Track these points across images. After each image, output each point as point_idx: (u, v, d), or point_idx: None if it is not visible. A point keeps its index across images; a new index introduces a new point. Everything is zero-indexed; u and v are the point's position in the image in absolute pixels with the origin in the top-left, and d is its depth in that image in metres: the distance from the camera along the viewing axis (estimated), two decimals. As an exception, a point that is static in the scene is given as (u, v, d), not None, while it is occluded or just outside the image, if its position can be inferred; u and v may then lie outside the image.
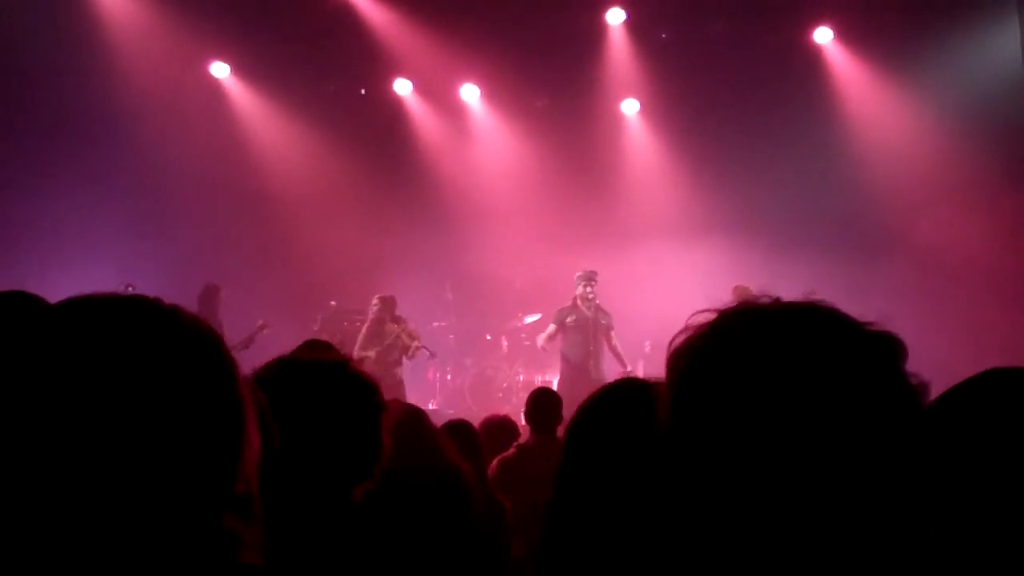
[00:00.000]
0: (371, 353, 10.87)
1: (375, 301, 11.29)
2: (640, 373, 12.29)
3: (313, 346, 4.72)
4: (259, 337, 10.92)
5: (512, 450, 5.34)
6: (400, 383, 10.87)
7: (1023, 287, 11.69)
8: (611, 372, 10.68)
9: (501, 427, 5.86)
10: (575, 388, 10.16)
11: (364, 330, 11.30)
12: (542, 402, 5.65)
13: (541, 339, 11.31)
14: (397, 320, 11.30)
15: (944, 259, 11.98)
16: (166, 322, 1.17)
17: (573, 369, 10.75)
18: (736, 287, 10.91)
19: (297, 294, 12.42)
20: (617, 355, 11.07)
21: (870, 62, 12.61)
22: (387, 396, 2.17)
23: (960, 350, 11.43)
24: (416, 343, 11.14)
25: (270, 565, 1.20)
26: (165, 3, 11.82)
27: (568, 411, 6.04)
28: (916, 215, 12.30)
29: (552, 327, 10.98)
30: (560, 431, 5.68)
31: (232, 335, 10.71)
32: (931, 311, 11.98)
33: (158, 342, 1.13)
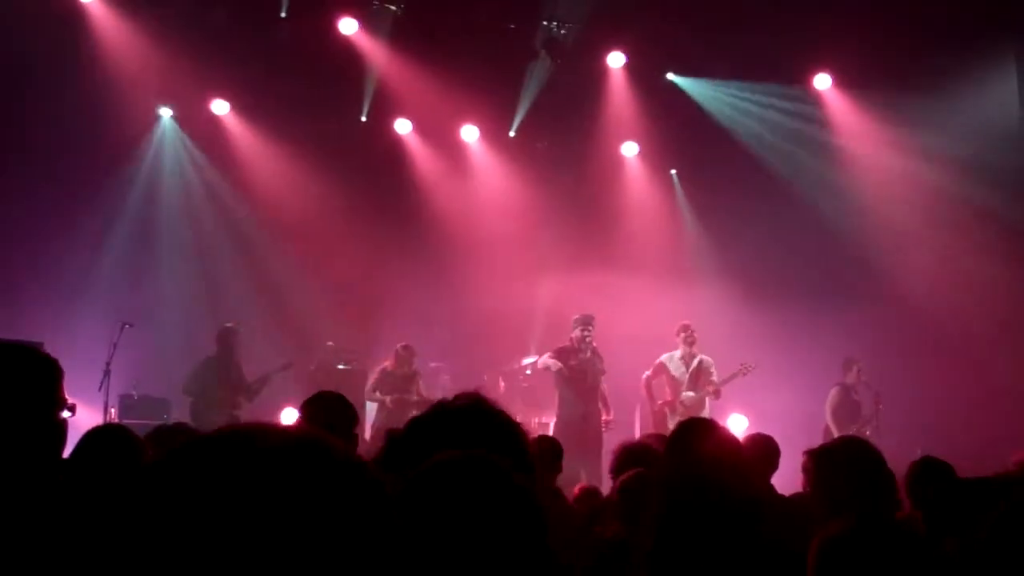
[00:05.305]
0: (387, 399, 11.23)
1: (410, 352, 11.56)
2: (637, 417, 12.22)
3: (322, 400, 4.64)
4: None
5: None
6: None
7: (1015, 333, 11.70)
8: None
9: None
10: (572, 430, 10.10)
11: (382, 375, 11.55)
12: (547, 451, 5.40)
13: (544, 361, 11.13)
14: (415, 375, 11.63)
15: (938, 306, 12.00)
16: (325, 467, 0.96)
17: (571, 411, 10.66)
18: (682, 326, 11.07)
19: (294, 333, 12.38)
20: (604, 401, 10.95)
21: (868, 108, 12.66)
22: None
23: (961, 395, 11.48)
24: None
25: None
26: (166, 40, 11.89)
27: (563, 451, 5.94)
28: (909, 261, 12.32)
29: (558, 364, 10.86)
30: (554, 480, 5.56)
31: (248, 373, 10.70)
32: (926, 358, 12.00)
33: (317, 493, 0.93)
